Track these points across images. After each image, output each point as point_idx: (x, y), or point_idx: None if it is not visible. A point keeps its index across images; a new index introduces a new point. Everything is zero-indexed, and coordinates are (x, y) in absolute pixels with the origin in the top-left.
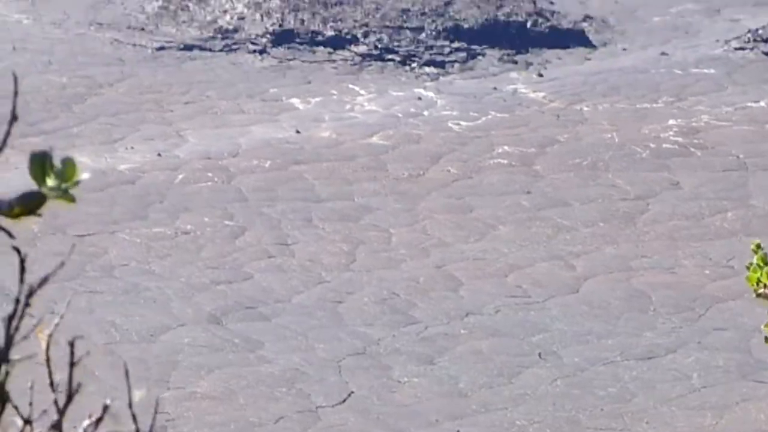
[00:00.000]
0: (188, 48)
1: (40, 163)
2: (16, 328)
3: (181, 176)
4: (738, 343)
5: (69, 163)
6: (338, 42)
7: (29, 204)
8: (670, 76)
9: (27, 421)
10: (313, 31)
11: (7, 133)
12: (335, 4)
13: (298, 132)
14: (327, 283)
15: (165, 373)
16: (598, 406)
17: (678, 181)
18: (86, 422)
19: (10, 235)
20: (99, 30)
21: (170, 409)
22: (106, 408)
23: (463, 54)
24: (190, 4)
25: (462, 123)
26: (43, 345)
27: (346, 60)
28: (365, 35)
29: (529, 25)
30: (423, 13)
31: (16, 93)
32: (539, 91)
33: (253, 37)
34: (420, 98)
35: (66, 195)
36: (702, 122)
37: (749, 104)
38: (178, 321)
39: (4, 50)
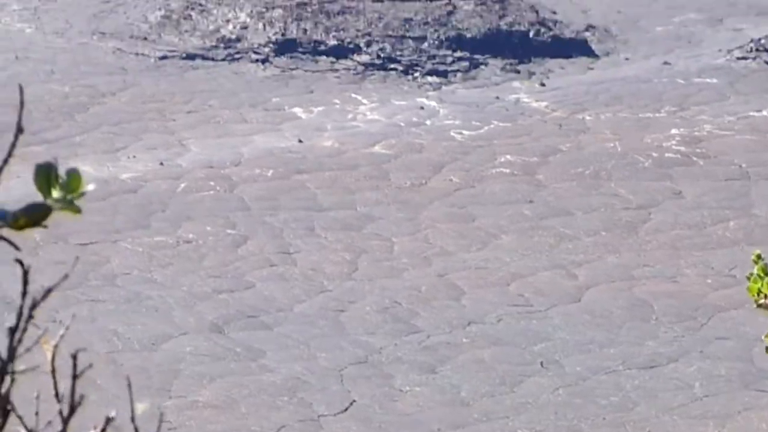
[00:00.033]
0: (191, 57)
1: (46, 175)
2: (20, 340)
3: (183, 185)
4: (740, 353)
5: (74, 175)
6: (341, 51)
7: (34, 215)
8: (672, 85)
9: None
10: (315, 41)
11: (13, 145)
12: (338, 14)
13: (300, 141)
14: (329, 292)
15: (167, 382)
16: (600, 415)
17: (680, 191)
18: None
19: (15, 247)
20: (102, 39)
21: (172, 418)
22: (109, 420)
23: (466, 63)
24: (193, 14)
25: (464, 132)
26: (49, 356)
27: (348, 69)
28: (368, 44)
29: (531, 34)
30: (425, 23)
31: (22, 104)
32: (542, 100)
33: (255, 46)
34: (422, 107)
35: (71, 206)
36: (704, 131)
37: (752, 113)
38: (180, 330)
39: (6, 59)
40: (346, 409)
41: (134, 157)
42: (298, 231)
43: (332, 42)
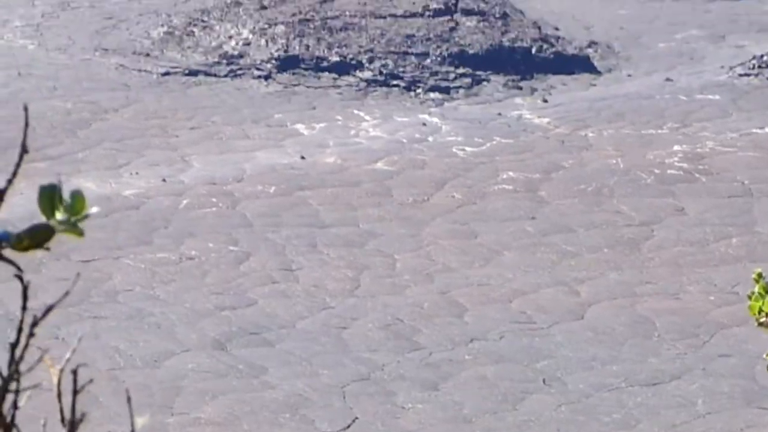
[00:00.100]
0: (193, 73)
1: (49, 196)
2: (21, 357)
3: (185, 201)
4: (743, 370)
5: (78, 197)
6: (343, 68)
7: (37, 237)
8: (674, 102)
9: None
10: (318, 57)
11: (17, 165)
12: (340, 30)
13: (302, 157)
14: (331, 309)
15: (169, 399)
16: None
17: (683, 207)
18: None
19: (17, 267)
20: (104, 55)
21: None
22: None
23: (468, 80)
24: (196, 30)
25: (467, 149)
26: (55, 380)
27: (350, 86)
28: (370, 61)
29: (533, 51)
30: (428, 39)
31: (26, 124)
32: (544, 116)
33: (258, 62)
34: (425, 124)
35: (75, 229)
36: (707, 148)
37: (754, 130)
38: (183, 346)
39: (9, 76)
40: (348, 426)
41: (137, 173)
42: (301, 247)
43: (335, 58)
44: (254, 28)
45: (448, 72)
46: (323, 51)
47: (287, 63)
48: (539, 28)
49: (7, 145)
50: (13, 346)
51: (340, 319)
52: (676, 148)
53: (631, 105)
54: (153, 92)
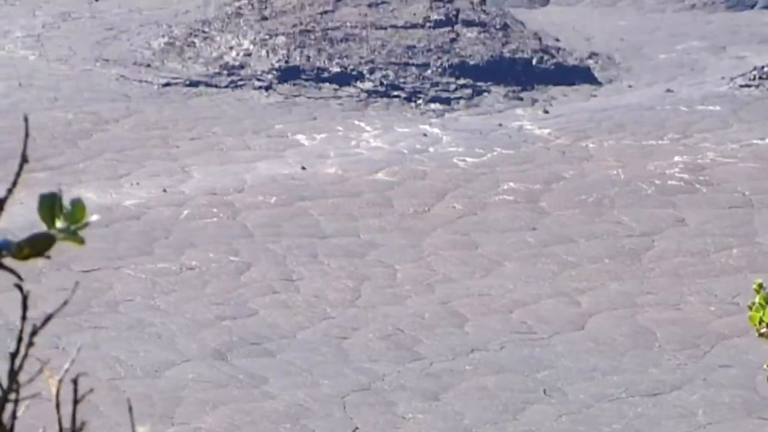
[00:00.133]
0: (194, 84)
1: (50, 205)
2: (20, 366)
3: (186, 212)
4: (743, 380)
5: (78, 206)
6: (344, 78)
7: (38, 246)
8: (675, 113)
9: None
10: (318, 68)
11: (17, 175)
12: (341, 41)
13: (303, 168)
14: (332, 319)
15: (169, 409)
16: None
17: (683, 218)
18: None
19: (18, 276)
20: (105, 66)
21: None
22: None
23: (469, 90)
24: (196, 41)
25: (467, 159)
26: (54, 390)
27: (351, 96)
28: (371, 72)
29: (534, 62)
30: (429, 50)
31: (27, 135)
32: (545, 127)
33: (258, 73)
34: (425, 134)
35: (75, 237)
36: (707, 159)
37: (755, 141)
38: (183, 357)
39: (10, 86)
40: None
41: (137, 183)
42: (301, 258)
43: (335, 69)
44: (255, 38)
45: (448, 83)
46: (324, 62)
47: (288, 74)
48: (540, 39)
49: (8, 155)
50: (13, 355)
51: (341, 329)
52: (676, 158)
53: (632, 116)
54: (154, 103)
